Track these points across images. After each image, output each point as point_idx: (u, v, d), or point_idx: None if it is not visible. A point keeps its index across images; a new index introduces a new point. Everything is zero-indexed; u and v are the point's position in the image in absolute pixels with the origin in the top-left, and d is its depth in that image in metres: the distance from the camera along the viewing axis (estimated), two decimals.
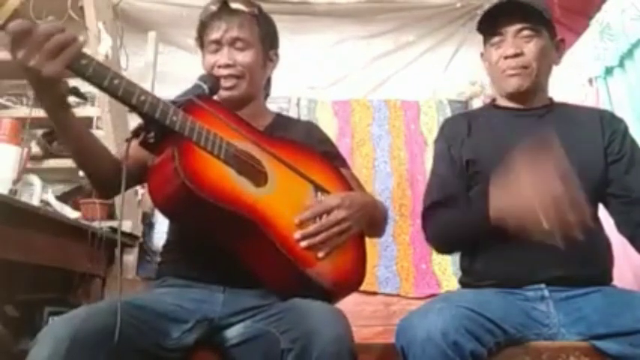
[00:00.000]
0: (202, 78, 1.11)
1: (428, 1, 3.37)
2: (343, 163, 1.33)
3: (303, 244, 1.01)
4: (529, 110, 1.31)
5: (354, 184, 1.27)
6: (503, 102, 1.35)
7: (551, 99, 1.36)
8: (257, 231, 0.97)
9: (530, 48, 1.25)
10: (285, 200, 1.06)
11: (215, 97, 1.17)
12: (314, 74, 3.38)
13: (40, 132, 2.35)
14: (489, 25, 1.31)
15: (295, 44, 3.39)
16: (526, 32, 1.26)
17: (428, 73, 3.40)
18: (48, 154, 2.30)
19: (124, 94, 0.90)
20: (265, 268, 1.01)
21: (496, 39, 1.29)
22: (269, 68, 1.33)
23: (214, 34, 1.22)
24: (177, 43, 3.11)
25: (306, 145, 1.24)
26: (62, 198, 2.12)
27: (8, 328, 1.65)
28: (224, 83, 1.19)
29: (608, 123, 1.28)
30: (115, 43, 2.29)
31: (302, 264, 1.00)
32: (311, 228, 1.03)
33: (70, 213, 1.97)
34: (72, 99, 2.54)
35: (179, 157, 0.92)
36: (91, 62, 0.88)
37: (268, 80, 1.37)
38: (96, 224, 1.94)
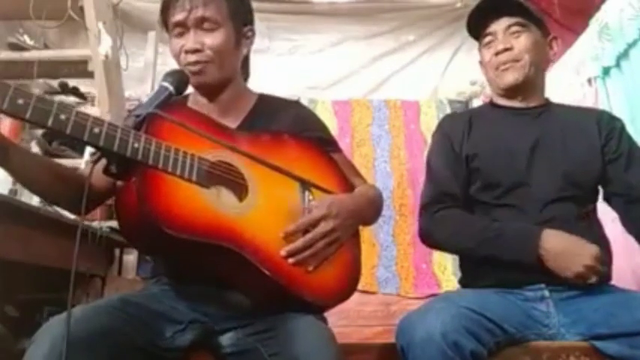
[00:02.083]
0: (166, 77, 0.99)
1: (428, 1, 3.38)
2: (335, 146, 1.24)
3: (291, 261, 0.95)
4: (526, 109, 1.32)
5: (347, 170, 1.21)
6: (501, 101, 1.36)
7: (547, 99, 1.36)
8: (237, 256, 0.90)
9: (520, 42, 1.27)
10: (269, 211, 0.98)
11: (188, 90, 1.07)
12: (314, 74, 3.38)
13: (40, 132, 2.35)
14: (479, 28, 1.34)
15: (295, 44, 3.40)
16: (514, 28, 1.28)
17: (428, 73, 3.40)
18: (48, 154, 2.30)
19: (74, 130, 0.79)
20: (251, 288, 0.97)
21: (487, 39, 1.32)
22: (244, 47, 1.19)
23: (178, 16, 1.09)
24: None
25: (291, 133, 1.15)
26: None
27: (8, 328, 1.64)
28: (191, 68, 1.08)
29: (605, 123, 1.28)
30: (115, 43, 2.29)
31: (289, 281, 0.94)
32: (297, 243, 0.96)
33: (70, 213, 1.96)
34: (72, 99, 2.54)
35: (143, 191, 0.84)
36: (30, 100, 0.77)
37: (246, 59, 1.24)
38: (96, 224, 1.94)
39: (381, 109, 3.19)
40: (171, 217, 0.84)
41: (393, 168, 3.01)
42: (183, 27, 1.10)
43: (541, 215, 1.17)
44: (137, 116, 0.89)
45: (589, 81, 2.33)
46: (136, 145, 0.84)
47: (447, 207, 1.25)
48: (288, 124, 1.18)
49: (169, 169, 0.88)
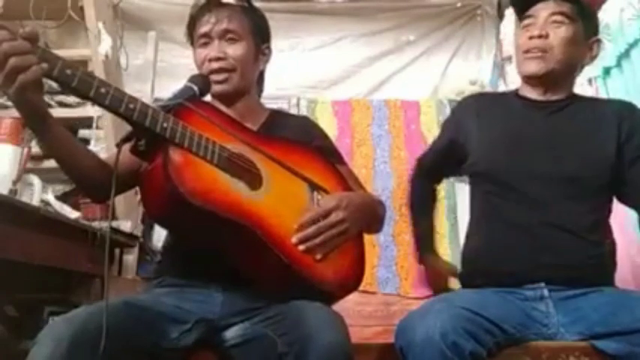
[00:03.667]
0: (192, 79, 1.09)
1: (428, 0, 3.38)
2: (340, 159, 1.31)
3: (301, 247, 1.00)
4: (545, 103, 1.27)
5: (352, 181, 1.26)
6: (524, 90, 1.32)
7: (573, 94, 1.31)
8: (252, 235, 0.95)
9: (558, 33, 1.21)
10: (281, 202, 1.05)
11: (207, 96, 1.16)
12: (314, 74, 3.38)
13: None
14: (525, 7, 1.28)
15: (295, 43, 3.39)
16: (557, 17, 1.22)
17: (428, 73, 3.40)
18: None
19: (112, 103, 0.88)
20: (262, 272, 1.01)
21: (527, 21, 1.27)
22: (261, 62, 1.30)
23: (204, 28, 1.20)
24: (179, 41, 3.10)
25: (302, 143, 1.22)
26: (62, 198, 2.11)
27: (8, 328, 1.64)
28: (215, 77, 1.18)
29: (628, 116, 1.23)
30: (115, 43, 2.29)
31: (300, 267, 0.99)
32: (308, 231, 1.02)
33: (70, 213, 1.96)
34: (72, 99, 2.54)
35: (170, 165, 0.90)
36: (76, 72, 0.85)
37: (261, 75, 1.35)
38: (96, 224, 1.94)
39: (381, 109, 3.18)
40: (195, 188, 0.91)
41: (393, 168, 3.01)
42: (208, 38, 1.21)
43: (542, 213, 1.16)
44: (164, 107, 0.96)
45: (589, 81, 2.32)
46: (165, 124, 0.92)
47: (422, 176, 1.46)
48: (297, 135, 1.25)
49: (194, 149, 0.95)
